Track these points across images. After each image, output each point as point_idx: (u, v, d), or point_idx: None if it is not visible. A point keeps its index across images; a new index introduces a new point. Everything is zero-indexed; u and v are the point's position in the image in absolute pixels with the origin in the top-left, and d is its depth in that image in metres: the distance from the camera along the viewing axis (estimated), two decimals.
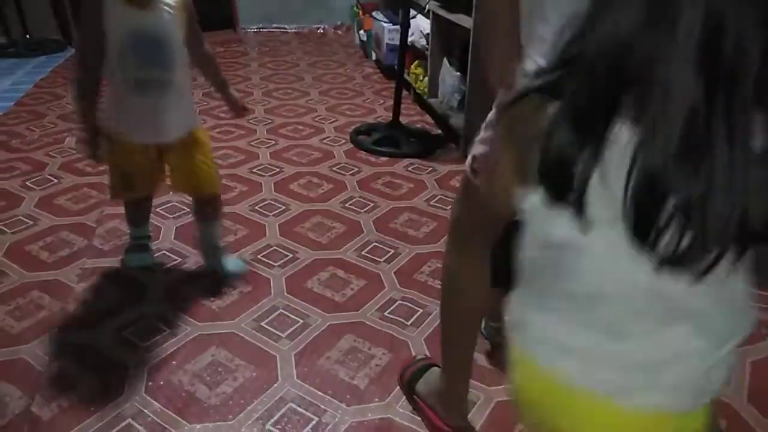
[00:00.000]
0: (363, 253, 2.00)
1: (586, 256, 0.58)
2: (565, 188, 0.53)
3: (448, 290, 1.21)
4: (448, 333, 1.26)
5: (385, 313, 1.70)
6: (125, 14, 1.43)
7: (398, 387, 1.45)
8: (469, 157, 1.07)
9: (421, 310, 1.71)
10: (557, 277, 0.62)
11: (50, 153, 2.74)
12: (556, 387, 0.64)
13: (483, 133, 1.05)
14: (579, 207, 0.53)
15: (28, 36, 4.45)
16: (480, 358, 1.53)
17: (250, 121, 3.16)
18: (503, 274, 1.11)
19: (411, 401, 1.41)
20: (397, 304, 1.74)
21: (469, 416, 1.36)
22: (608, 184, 0.51)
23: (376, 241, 2.06)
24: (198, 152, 1.67)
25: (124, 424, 1.33)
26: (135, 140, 1.58)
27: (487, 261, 1.08)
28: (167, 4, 1.48)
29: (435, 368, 1.39)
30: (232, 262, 1.85)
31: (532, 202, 0.58)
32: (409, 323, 1.66)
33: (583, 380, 0.63)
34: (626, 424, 0.62)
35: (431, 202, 2.35)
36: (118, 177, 1.65)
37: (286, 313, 1.70)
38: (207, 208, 1.78)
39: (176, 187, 1.75)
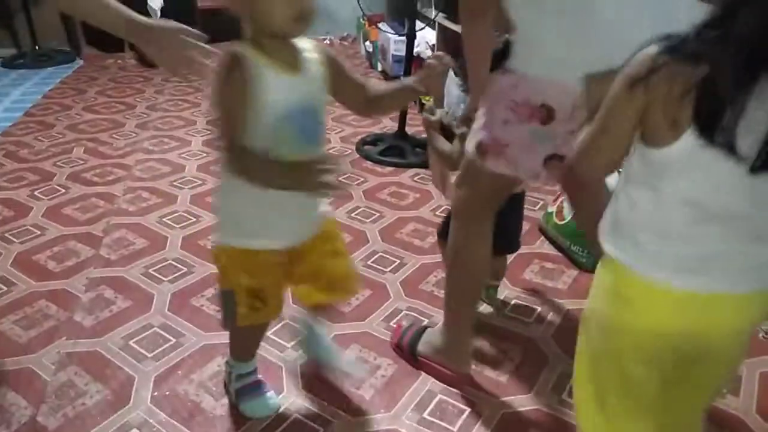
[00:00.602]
0: (369, 263, 1.99)
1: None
2: (717, 128, 0.68)
3: (454, 262, 1.38)
4: (454, 297, 1.43)
5: (391, 324, 1.69)
6: (278, 83, 1.04)
7: (398, 355, 1.55)
8: (473, 144, 1.21)
9: (426, 321, 1.70)
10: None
11: (58, 163, 2.75)
12: (694, 302, 0.80)
13: (481, 122, 1.20)
14: (730, 142, 0.68)
15: (37, 47, 4.49)
16: (486, 369, 1.53)
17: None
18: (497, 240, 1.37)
19: (413, 362, 1.53)
20: (402, 314, 1.74)
21: (474, 428, 1.35)
22: (752, 122, 0.67)
23: (381, 252, 2.06)
24: (334, 248, 1.31)
25: None
26: (274, 244, 1.18)
27: (489, 232, 1.32)
28: (313, 62, 1.11)
29: (428, 329, 1.56)
30: (348, 364, 1.51)
31: (679, 150, 0.73)
32: None
33: (726, 286, 0.79)
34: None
35: (437, 212, 2.35)
36: (246, 297, 1.20)
37: (291, 323, 1.69)
38: (331, 311, 1.48)
39: (305, 298, 1.39)
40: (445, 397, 1.44)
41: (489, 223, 1.31)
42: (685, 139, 0.72)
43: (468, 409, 1.41)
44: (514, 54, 1.13)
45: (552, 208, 2.13)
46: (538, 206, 2.37)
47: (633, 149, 0.81)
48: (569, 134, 1.05)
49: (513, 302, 1.80)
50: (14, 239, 2.10)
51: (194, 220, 2.25)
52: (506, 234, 1.55)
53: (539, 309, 1.78)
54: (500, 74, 1.16)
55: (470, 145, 1.22)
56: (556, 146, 1.12)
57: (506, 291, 1.84)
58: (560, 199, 2.11)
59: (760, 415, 1.40)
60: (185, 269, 1.94)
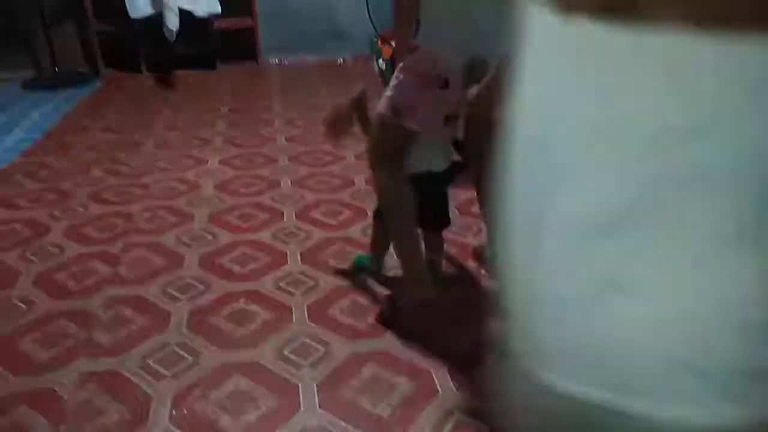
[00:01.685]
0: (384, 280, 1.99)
1: None
2: None
3: (387, 199, 1.67)
4: (397, 231, 1.71)
5: (408, 341, 1.69)
6: None
7: (387, 324, 1.73)
8: (386, 107, 1.55)
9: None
10: None
11: (77, 183, 2.79)
12: None
13: (394, 89, 1.54)
14: None
15: (56, 69, 4.58)
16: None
17: (272, 149, 3.20)
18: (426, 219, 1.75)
19: (400, 318, 1.75)
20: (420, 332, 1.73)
21: None
22: None
23: (397, 268, 2.06)
24: None
25: None
26: None
27: (403, 176, 1.61)
28: None
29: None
30: None
31: None
32: (432, 352, 1.65)
33: None
34: None
35: (451, 229, 2.34)
36: None
37: (308, 341, 1.69)
38: None
39: None
40: (464, 417, 1.43)
41: (401, 168, 1.61)
42: None
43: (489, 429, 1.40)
44: (420, 35, 1.47)
45: None
46: None
47: None
48: (459, 100, 1.43)
49: None
50: (34, 258, 2.13)
51: (211, 238, 2.27)
52: (435, 211, 1.84)
53: None
54: (409, 53, 1.49)
55: (383, 107, 1.56)
56: (450, 109, 1.51)
57: None
58: None
59: None
60: (202, 287, 1.95)
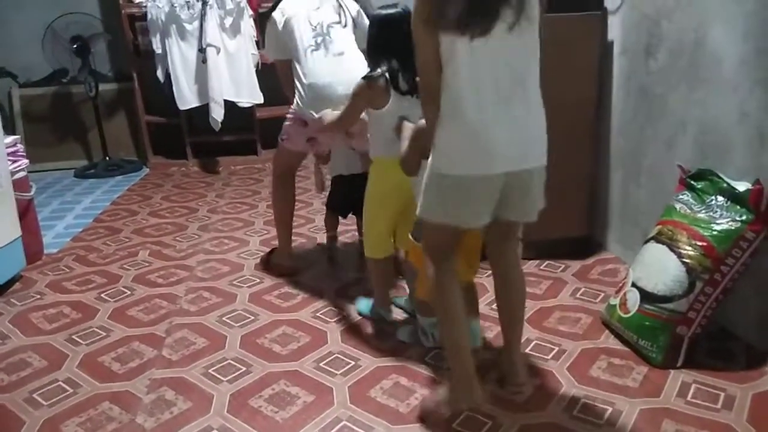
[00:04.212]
0: (427, 359, 1.95)
1: None
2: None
3: (277, 196, 2.64)
4: (276, 211, 2.67)
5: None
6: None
7: None
8: (281, 136, 2.52)
9: (490, 422, 1.63)
10: None
11: (124, 266, 2.87)
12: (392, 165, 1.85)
13: (284, 128, 2.51)
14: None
15: (107, 158, 4.82)
16: None
17: (311, 229, 3.25)
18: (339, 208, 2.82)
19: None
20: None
21: None
22: None
23: (440, 347, 2.02)
24: None
25: None
26: None
27: (293, 181, 2.62)
28: None
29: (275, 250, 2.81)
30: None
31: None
32: None
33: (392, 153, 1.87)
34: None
35: (493, 306, 2.30)
36: None
37: (349, 425, 1.65)
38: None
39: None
40: None
41: (293, 177, 2.62)
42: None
43: None
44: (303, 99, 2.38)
45: (615, 300, 2.06)
46: (599, 298, 2.30)
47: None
48: (318, 131, 2.33)
49: (582, 402, 1.71)
50: (81, 341, 2.16)
51: (252, 318, 2.28)
52: (353, 202, 2.48)
53: (610, 409, 1.68)
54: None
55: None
56: (309, 134, 2.39)
57: (573, 389, 1.76)
58: (623, 291, 2.04)
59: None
60: (243, 368, 1.94)
